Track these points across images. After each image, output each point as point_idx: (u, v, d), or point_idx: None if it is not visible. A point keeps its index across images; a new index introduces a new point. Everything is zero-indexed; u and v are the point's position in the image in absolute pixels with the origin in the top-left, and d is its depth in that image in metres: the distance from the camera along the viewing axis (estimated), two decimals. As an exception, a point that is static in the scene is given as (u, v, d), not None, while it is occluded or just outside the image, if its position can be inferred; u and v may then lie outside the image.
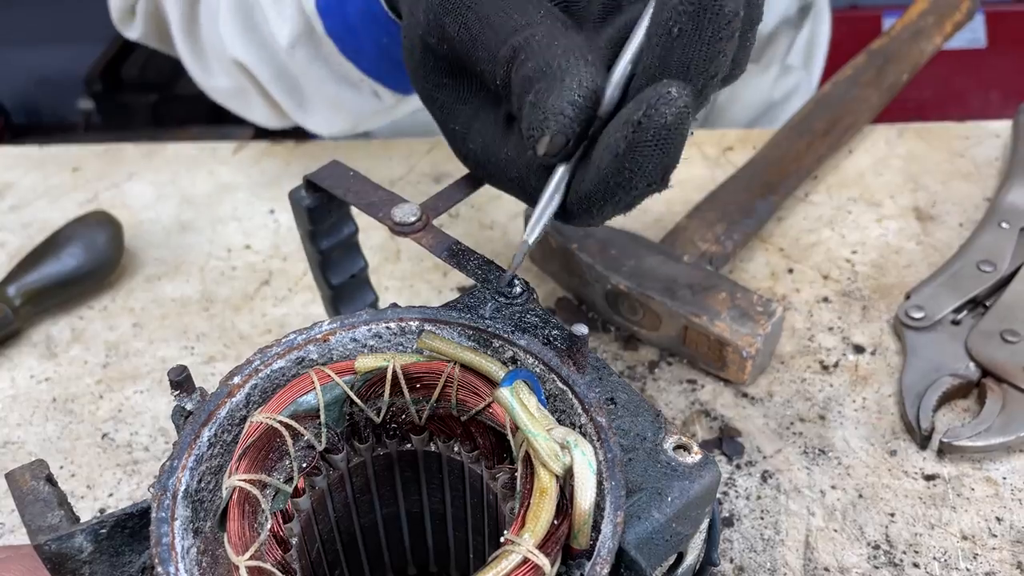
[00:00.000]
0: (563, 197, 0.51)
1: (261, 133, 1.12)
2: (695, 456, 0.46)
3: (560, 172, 0.50)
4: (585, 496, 0.40)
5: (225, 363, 0.85)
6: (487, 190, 0.62)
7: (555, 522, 0.40)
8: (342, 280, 0.74)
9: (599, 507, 0.42)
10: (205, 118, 1.65)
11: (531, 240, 0.52)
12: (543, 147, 0.47)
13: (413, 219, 0.60)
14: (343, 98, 0.95)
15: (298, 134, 1.10)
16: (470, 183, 0.63)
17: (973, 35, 1.77)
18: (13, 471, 0.44)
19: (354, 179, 0.64)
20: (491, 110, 0.56)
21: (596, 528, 0.42)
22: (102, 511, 0.74)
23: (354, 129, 1.00)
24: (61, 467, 0.77)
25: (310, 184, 0.66)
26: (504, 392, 0.43)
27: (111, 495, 0.75)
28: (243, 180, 1.07)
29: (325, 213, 0.69)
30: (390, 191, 0.63)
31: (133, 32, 1.11)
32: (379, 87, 0.92)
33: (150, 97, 1.81)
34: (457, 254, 0.58)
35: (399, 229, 0.60)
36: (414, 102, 0.94)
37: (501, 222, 0.98)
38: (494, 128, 0.56)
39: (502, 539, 0.40)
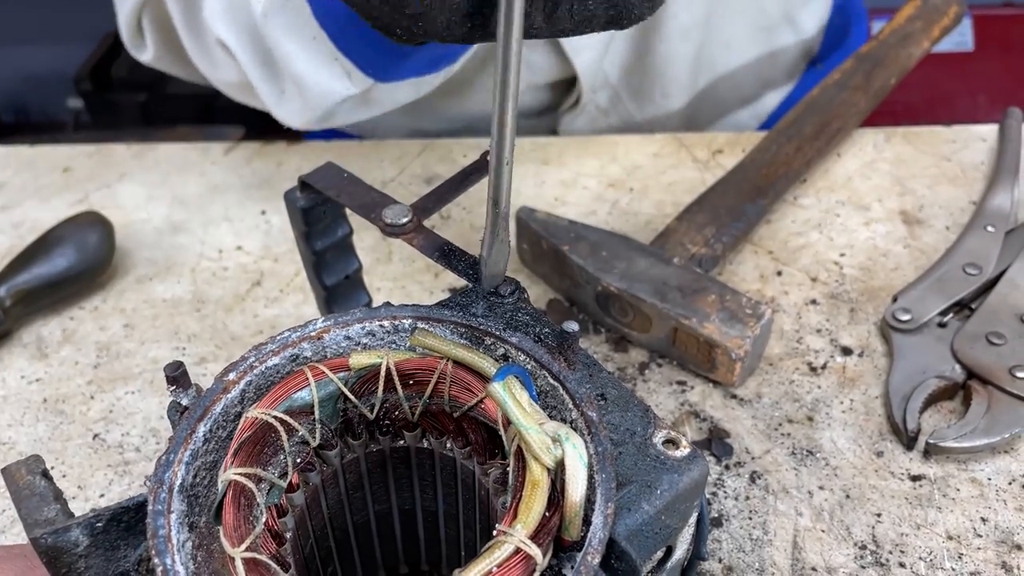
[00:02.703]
0: None
1: (252, 134, 1.12)
2: (684, 450, 0.46)
3: None
4: (576, 488, 0.41)
5: (217, 364, 0.85)
6: (479, 191, 0.63)
7: (547, 514, 0.41)
8: (336, 281, 0.74)
9: (590, 501, 0.42)
10: (195, 118, 1.65)
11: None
12: None
13: (404, 220, 0.60)
14: (315, 79, 0.90)
15: (290, 134, 1.10)
16: (460, 183, 0.64)
17: (960, 38, 1.78)
18: (9, 466, 0.44)
19: (348, 180, 0.65)
20: None
21: (587, 522, 0.42)
22: (93, 511, 0.74)
23: (322, 121, 0.94)
24: (52, 467, 0.77)
25: (305, 185, 0.67)
26: (496, 386, 0.43)
27: (102, 496, 0.75)
28: (235, 181, 1.07)
29: (320, 214, 0.69)
30: (382, 193, 0.63)
31: (146, 54, 1.07)
32: (352, 67, 0.88)
33: (140, 96, 1.81)
34: (448, 254, 0.58)
35: (390, 230, 0.60)
36: (384, 93, 0.91)
37: (492, 224, 0.98)
38: None
39: (494, 531, 0.40)
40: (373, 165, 1.07)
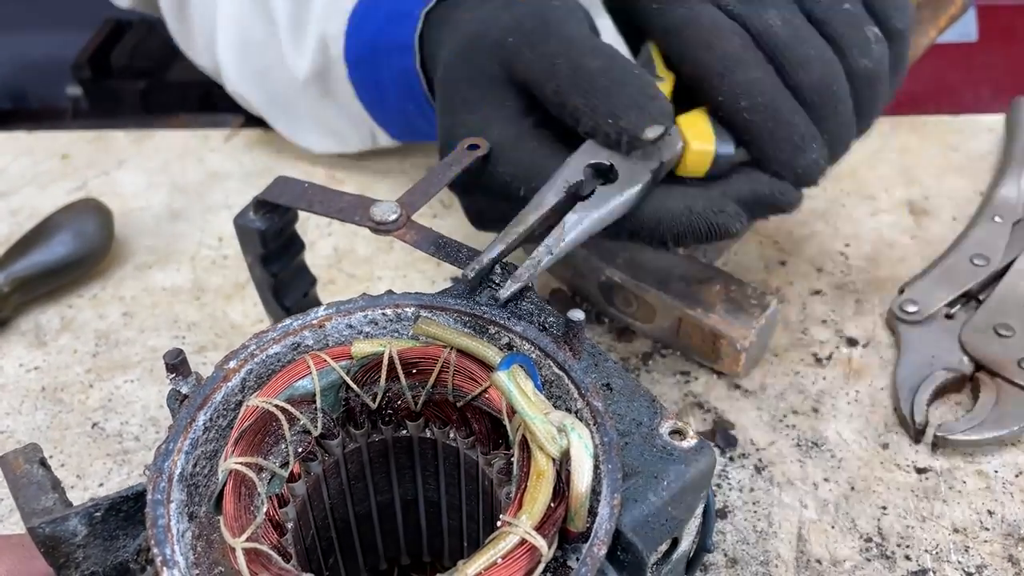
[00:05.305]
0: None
1: (252, 121, 1.12)
2: (691, 441, 0.46)
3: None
4: (582, 479, 0.40)
5: (216, 352, 0.84)
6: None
7: (552, 505, 0.40)
8: (295, 301, 0.72)
9: (595, 492, 0.42)
10: (195, 105, 1.63)
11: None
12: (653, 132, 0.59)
13: (394, 216, 0.59)
14: (338, 128, 0.98)
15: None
16: (442, 175, 0.63)
17: (964, 29, 1.76)
18: (6, 455, 0.44)
19: (311, 190, 0.63)
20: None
21: (592, 513, 0.42)
22: (92, 500, 0.73)
23: (341, 150, 1.03)
24: (51, 456, 0.76)
25: (260, 204, 0.65)
26: (501, 375, 0.43)
27: (101, 485, 0.74)
28: (235, 168, 1.06)
29: (277, 233, 0.67)
30: (355, 194, 0.62)
31: (124, 0, 1.10)
32: (379, 131, 0.96)
33: (139, 84, 1.79)
34: (444, 247, 0.57)
35: (381, 228, 0.59)
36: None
37: (494, 213, 0.97)
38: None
39: (499, 522, 0.40)
40: (371, 153, 1.06)
